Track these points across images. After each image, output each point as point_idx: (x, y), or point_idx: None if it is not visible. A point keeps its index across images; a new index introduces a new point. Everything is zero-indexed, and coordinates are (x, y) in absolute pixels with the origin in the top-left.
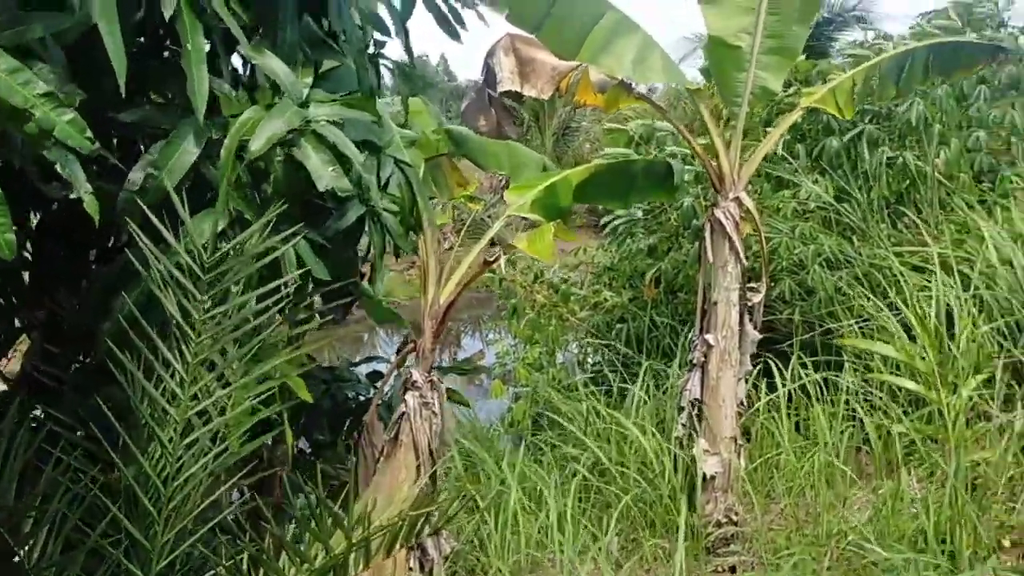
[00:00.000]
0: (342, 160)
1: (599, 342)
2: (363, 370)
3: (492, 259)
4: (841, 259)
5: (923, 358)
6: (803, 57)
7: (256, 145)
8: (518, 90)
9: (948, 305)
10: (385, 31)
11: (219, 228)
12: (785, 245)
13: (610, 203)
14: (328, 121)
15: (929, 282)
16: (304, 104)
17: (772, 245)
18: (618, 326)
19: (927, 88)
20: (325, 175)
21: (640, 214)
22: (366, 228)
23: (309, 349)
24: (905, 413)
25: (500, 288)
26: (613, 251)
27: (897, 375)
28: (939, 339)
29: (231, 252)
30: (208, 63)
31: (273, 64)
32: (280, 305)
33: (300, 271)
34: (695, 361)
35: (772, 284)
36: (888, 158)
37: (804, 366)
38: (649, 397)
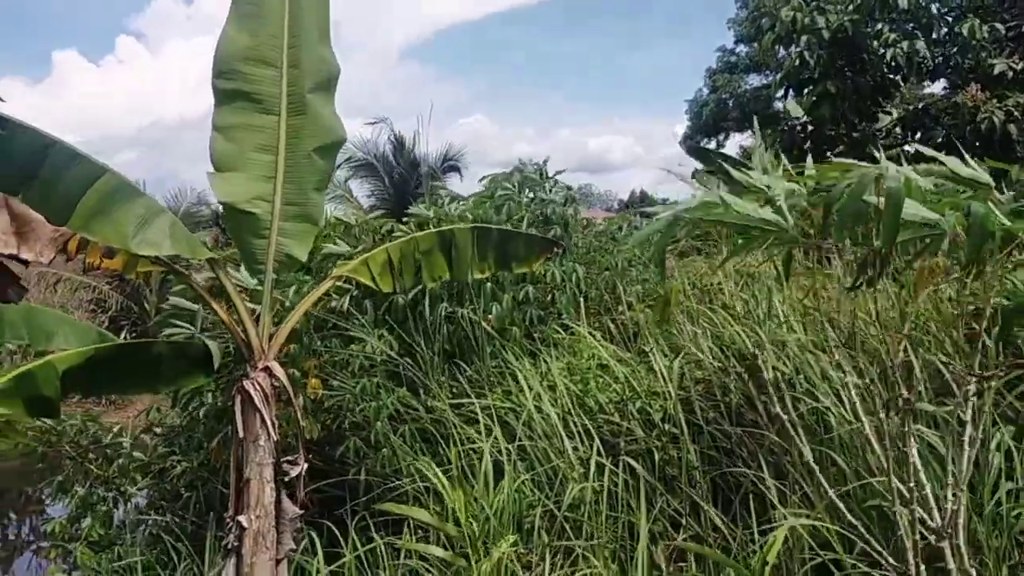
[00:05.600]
0: None
1: (162, 519)
2: None
3: None
4: (405, 413)
5: (456, 522)
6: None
7: None
8: (14, 253)
9: (499, 455)
10: None
11: None
12: (349, 402)
13: (126, 392)
14: None
15: (482, 434)
16: None
17: (337, 402)
18: (187, 495)
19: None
20: None
21: None
22: None
23: None
24: None
25: (39, 460)
26: (183, 412)
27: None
28: (484, 494)
29: None
30: None
31: None
32: None
33: None
34: (229, 546)
35: (339, 443)
36: (447, 313)
37: (368, 528)
38: None
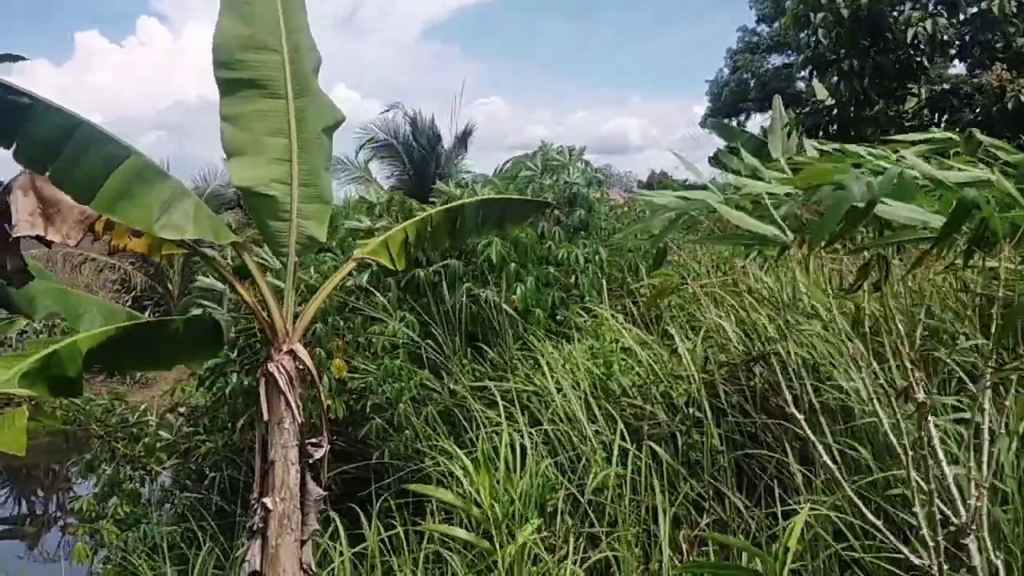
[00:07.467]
0: None
1: (189, 496)
2: None
3: None
4: (426, 395)
5: (479, 505)
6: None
7: None
8: (41, 234)
9: (521, 439)
10: None
11: None
12: (371, 385)
13: (146, 368)
14: None
15: (504, 418)
16: None
17: (360, 383)
18: (212, 475)
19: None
20: None
21: (235, 353)
22: None
23: None
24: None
25: (69, 437)
26: (208, 392)
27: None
28: (508, 477)
29: None
30: None
31: None
32: None
33: None
34: (255, 528)
35: (362, 424)
36: (470, 294)
37: (391, 510)
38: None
